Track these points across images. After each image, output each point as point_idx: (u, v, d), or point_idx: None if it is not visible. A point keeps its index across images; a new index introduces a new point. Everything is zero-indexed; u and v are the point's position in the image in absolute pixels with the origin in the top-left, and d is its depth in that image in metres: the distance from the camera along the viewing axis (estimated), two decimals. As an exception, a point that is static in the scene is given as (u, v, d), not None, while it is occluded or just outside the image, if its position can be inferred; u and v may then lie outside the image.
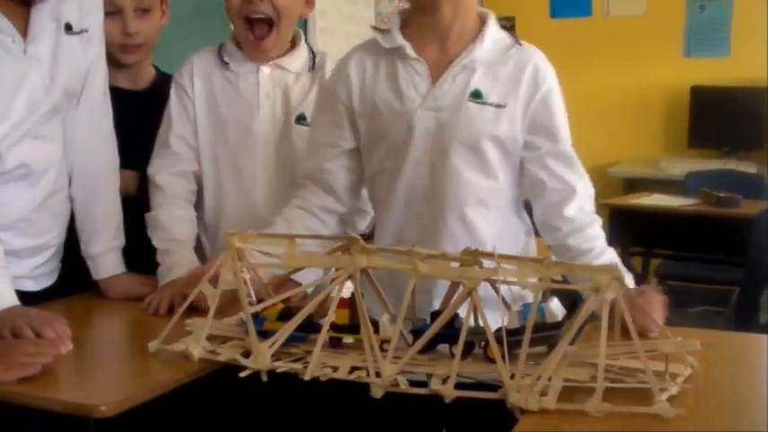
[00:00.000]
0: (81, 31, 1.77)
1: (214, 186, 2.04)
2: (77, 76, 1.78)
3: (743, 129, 5.38)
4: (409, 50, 1.69)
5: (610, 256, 1.68)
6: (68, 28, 1.74)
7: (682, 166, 5.21)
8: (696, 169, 5.04)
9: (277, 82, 2.03)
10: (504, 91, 1.68)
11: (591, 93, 5.32)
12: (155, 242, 1.93)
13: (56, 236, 1.83)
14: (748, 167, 5.14)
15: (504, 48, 1.70)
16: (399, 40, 1.70)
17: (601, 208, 4.72)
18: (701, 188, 4.38)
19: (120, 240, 1.90)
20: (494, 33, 1.70)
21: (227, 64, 2.03)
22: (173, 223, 1.95)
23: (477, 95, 1.66)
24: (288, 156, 2.02)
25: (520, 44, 1.72)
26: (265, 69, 2.02)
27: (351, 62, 1.76)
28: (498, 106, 1.66)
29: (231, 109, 2.01)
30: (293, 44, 2.06)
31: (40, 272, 1.81)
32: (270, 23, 1.95)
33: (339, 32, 4.48)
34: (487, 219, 1.71)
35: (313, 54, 2.08)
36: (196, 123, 2.02)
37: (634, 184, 5.30)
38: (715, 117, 5.44)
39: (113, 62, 2.01)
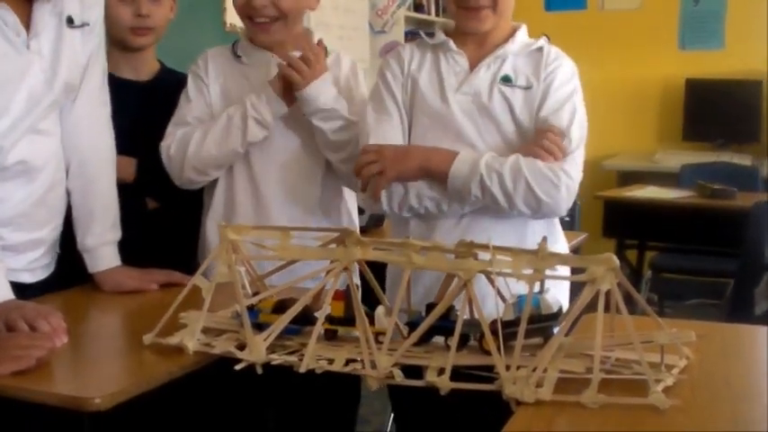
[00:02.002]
0: (82, 25, 1.77)
1: (225, 174, 2.04)
2: (77, 70, 1.78)
3: (737, 121, 5.38)
4: (452, 44, 1.87)
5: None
6: (70, 21, 1.74)
7: (676, 158, 5.22)
8: (691, 162, 5.05)
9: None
10: (528, 75, 1.85)
11: (585, 86, 5.26)
12: None
13: (53, 229, 1.82)
14: (743, 160, 5.15)
15: (531, 44, 1.88)
16: (443, 36, 1.89)
17: (595, 200, 4.74)
18: (695, 181, 4.38)
19: (116, 234, 1.89)
20: (523, 37, 1.89)
21: (239, 57, 2.06)
22: None
23: (506, 80, 1.84)
24: (300, 146, 2.03)
25: (547, 43, 1.90)
26: (277, 62, 2.01)
27: (404, 48, 1.94)
28: (526, 88, 1.84)
29: (244, 99, 2.00)
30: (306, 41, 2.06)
31: (36, 265, 1.80)
32: (275, 20, 1.98)
33: (334, 25, 4.47)
34: None
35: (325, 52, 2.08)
36: (211, 108, 2.03)
37: (629, 177, 5.30)
38: (709, 110, 5.44)
39: (121, 49, 2.07)
